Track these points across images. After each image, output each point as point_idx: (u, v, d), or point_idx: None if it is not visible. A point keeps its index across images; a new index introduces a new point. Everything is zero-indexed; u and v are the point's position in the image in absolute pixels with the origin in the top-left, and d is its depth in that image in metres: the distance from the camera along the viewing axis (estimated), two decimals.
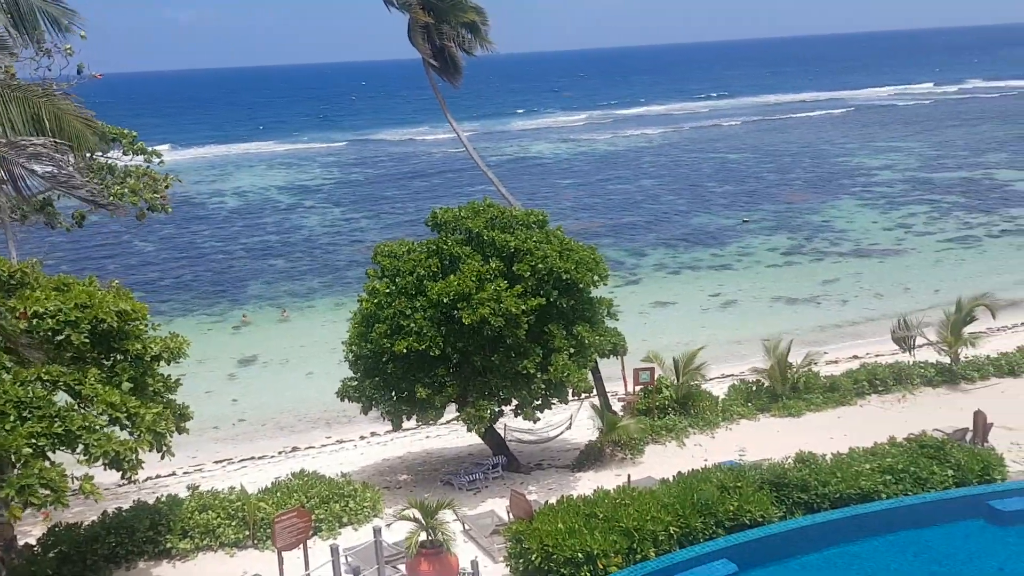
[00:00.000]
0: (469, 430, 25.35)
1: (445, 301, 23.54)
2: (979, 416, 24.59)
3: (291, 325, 50.01)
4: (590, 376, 26.92)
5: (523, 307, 23.58)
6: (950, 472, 19.77)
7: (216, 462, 32.85)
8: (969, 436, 24.56)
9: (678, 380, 30.07)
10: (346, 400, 26.16)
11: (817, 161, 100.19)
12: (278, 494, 23.04)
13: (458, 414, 25.38)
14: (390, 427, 27.19)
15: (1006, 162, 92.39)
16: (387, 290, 24.77)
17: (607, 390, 30.74)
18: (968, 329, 32.50)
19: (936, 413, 28.35)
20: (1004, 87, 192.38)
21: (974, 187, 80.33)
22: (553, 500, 19.90)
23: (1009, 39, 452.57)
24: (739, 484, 18.88)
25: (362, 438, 34.23)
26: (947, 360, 32.18)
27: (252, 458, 33.07)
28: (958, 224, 66.51)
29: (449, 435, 32.18)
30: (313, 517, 21.46)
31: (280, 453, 33.42)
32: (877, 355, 37.64)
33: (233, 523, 21.85)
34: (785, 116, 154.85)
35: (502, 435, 28.50)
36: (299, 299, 54.93)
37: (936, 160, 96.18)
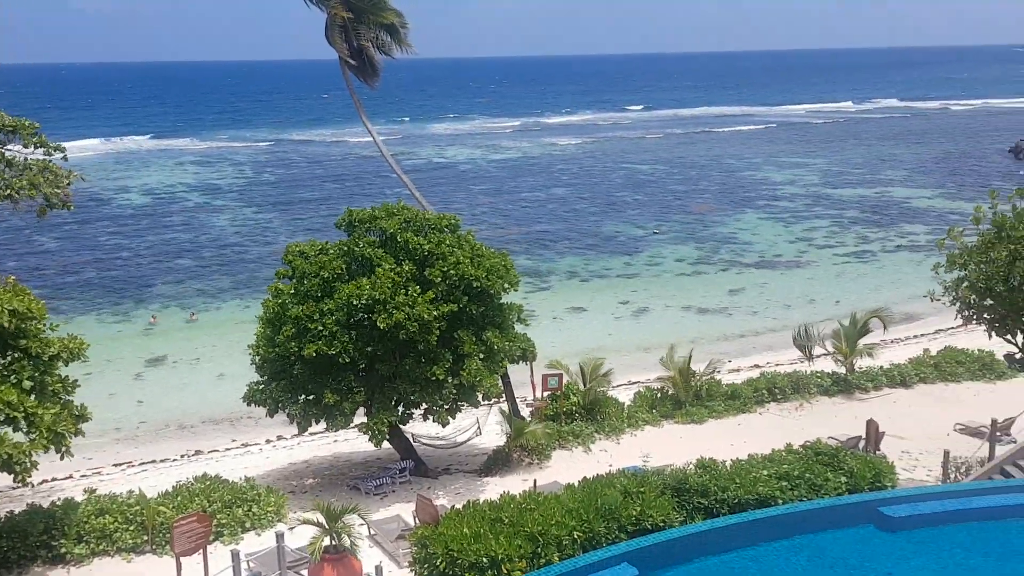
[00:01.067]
0: (370, 440, 25.24)
1: (356, 304, 23.47)
2: (871, 425, 25.53)
3: (203, 326, 49.09)
4: (500, 381, 27.11)
5: (435, 313, 23.67)
6: (843, 479, 20.39)
7: (116, 465, 32.02)
8: (862, 444, 25.48)
9: (585, 386, 30.44)
10: (252, 404, 25.82)
11: (725, 175, 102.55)
12: (179, 498, 22.60)
13: (364, 420, 25.29)
14: (297, 431, 26.91)
15: (903, 180, 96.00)
16: (292, 291, 24.57)
17: (516, 395, 30.98)
18: (863, 341, 33.68)
19: (831, 421, 29.35)
20: (915, 107, 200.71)
21: (872, 203, 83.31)
22: (459, 505, 19.95)
23: (929, 60, 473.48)
24: (642, 489, 19.18)
25: (268, 442, 33.78)
26: (843, 370, 33.27)
27: (153, 461, 32.36)
28: (857, 239, 68.90)
29: (357, 439, 31.90)
30: (215, 522, 21.14)
31: (183, 456, 32.75)
32: (777, 364, 38.75)
33: (131, 528, 21.38)
34: (704, 130, 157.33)
35: (410, 440, 28.47)
36: (208, 300, 53.94)
37: (837, 176, 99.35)
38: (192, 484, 24.00)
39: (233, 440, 34.43)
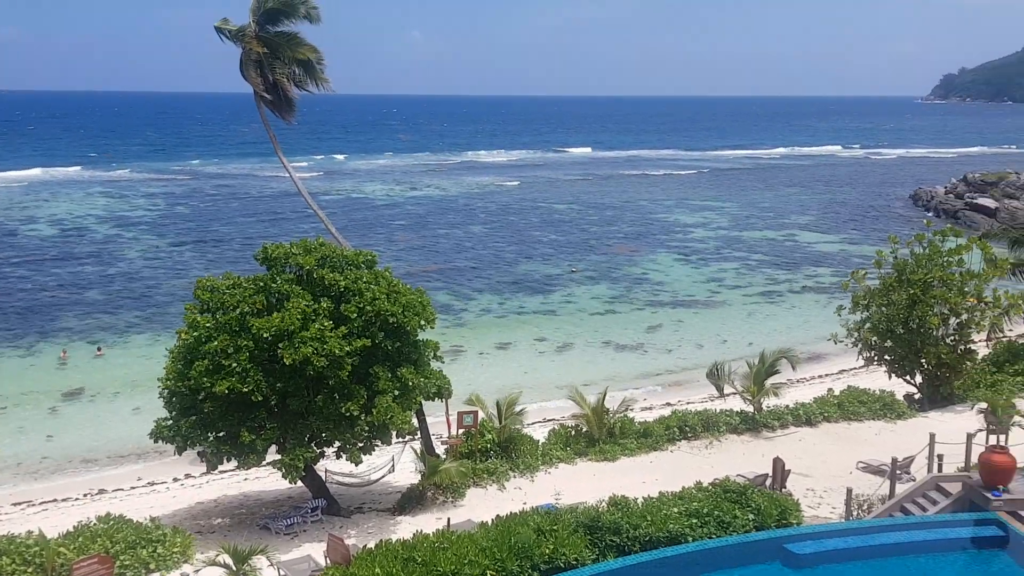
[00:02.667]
0: (284, 477, 24.90)
1: (266, 337, 23.24)
2: (778, 463, 26.13)
3: (114, 360, 47.94)
4: (414, 418, 27.03)
5: (347, 348, 23.56)
6: (751, 516, 20.76)
7: (15, 504, 30.93)
8: (768, 482, 26.03)
9: (500, 424, 30.54)
10: (159, 441, 25.22)
11: (640, 216, 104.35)
12: (80, 539, 21.91)
13: (275, 458, 24.94)
14: (206, 468, 26.36)
15: (809, 224, 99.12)
16: (208, 324, 24.19)
17: (431, 433, 30.89)
18: (770, 380, 34.53)
19: (740, 459, 29.92)
20: (839, 156, 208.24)
21: (780, 247, 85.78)
22: (372, 544, 19.78)
23: (843, 110, 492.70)
24: (555, 527, 19.27)
25: (176, 480, 33.01)
26: (751, 409, 34.03)
27: (55, 500, 31.34)
28: (766, 280, 70.75)
29: (268, 477, 31.43)
30: (117, 563, 20.56)
31: (86, 495, 31.79)
32: (688, 402, 39.42)
33: (29, 570, 20.61)
34: (627, 173, 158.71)
35: (323, 477, 28.13)
36: (117, 334, 52.64)
37: (747, 220, 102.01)
38: (95, 524, 23.32)
39: (139, 478, 33.58)
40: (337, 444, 25.51)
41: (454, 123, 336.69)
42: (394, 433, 25.84)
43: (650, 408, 39.56)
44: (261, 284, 25.15)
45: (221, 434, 24.46)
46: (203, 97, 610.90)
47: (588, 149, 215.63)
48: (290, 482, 25.47)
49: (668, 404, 40.32)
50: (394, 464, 30.48)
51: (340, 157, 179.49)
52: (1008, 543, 19.59)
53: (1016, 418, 27.23)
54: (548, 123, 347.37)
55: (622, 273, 72.42)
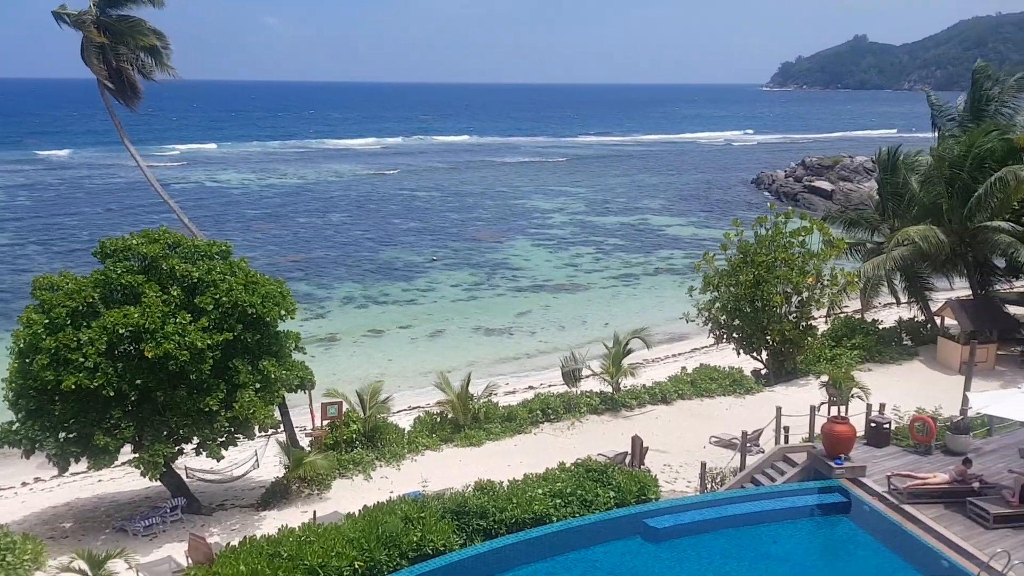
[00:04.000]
0: (143, 474, 24.17)
1: (123, 332, 22.45)
2: (636, 440, 27.02)
3: None
4: (277, 412, 26.66)
5: (208, 341, 23.03)
6: (612, 494, 21.45)
7: None
8: (628, 459, 26.91)
9: (364, 413, 30.44)
10: (5, 445, 24.04)
11: (497, 202, 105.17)
12: None
13: (133, 456, 24.18)
14: (57, 471, 25.31)
15: (661, 209, 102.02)
16: (45, 320, 23.12)
17: (295, 425, 30.52)
18: (627, 360, 35.57)
19: (600, 439, 30.77)
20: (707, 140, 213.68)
21: (634, 230, 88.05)
22: (236, 541, 19.48)
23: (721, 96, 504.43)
24: (422, 515, 19.43)
25: (24, 484, 31.51)
26: (610, 389, 34.98)
27: None
28: (622, 263, 72.52)
29: (124, 477, 30.40)
30: None
31: None
32: (551, 385, 40.19)
33: None
34: (490, 159, 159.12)
35: (182, 475, 27.42)
36: None
37: (602, 205, 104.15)
38: None
39: None
40: (197, 440, 24.92)
41: (323, 109, 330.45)
42: (256, 427, 25.44)
43: (513, 392, 40.14)
44: (100, 277, 24.19)
45: (72, 435, 23.51)
46: (51, 83, 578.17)
47: (466, 136, 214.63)
48: (149, 479, 24.78)
49: (531, 387, 41.00)
50: (258, 459, 30.00)
51: (212, 145, 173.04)
52: (850, 508, 20.91)
53: (855, 390, 29.03)
54: (412, 110, 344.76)
55: (484, 259, 72.92)
